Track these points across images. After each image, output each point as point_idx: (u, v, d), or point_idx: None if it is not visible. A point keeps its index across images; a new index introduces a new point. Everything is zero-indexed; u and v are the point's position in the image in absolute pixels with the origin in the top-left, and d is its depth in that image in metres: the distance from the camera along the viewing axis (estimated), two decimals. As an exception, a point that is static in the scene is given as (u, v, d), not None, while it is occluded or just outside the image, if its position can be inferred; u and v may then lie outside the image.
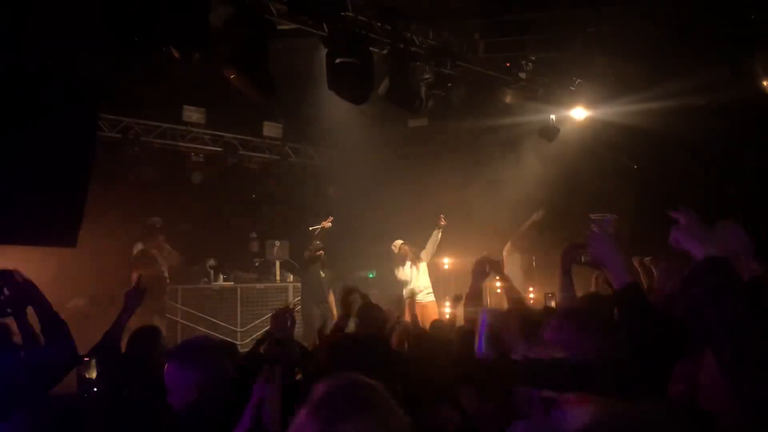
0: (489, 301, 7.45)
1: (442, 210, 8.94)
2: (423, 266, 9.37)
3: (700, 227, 1.82)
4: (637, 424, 1.18)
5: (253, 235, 10.10)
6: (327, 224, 8.90)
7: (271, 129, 9.94)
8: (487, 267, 3.67)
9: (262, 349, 3.51)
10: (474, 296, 3.81)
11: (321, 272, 8.81)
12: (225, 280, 9.29)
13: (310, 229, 8.97)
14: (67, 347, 2.96)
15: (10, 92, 4.29)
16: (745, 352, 1.61)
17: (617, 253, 2.14)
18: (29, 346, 3.06)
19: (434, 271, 10.20)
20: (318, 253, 8.76)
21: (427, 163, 10.19)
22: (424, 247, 9.40)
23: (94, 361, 2.95)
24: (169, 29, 4.45)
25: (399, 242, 9.57)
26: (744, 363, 1.61)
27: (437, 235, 9.02)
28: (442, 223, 8.88)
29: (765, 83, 5.63)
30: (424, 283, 9.23)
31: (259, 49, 5.46)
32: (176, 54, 4.54)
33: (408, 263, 9.43)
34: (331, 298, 8.65)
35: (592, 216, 2.21)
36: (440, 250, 9.84)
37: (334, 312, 8.45)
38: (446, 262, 11.02)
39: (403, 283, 9.31)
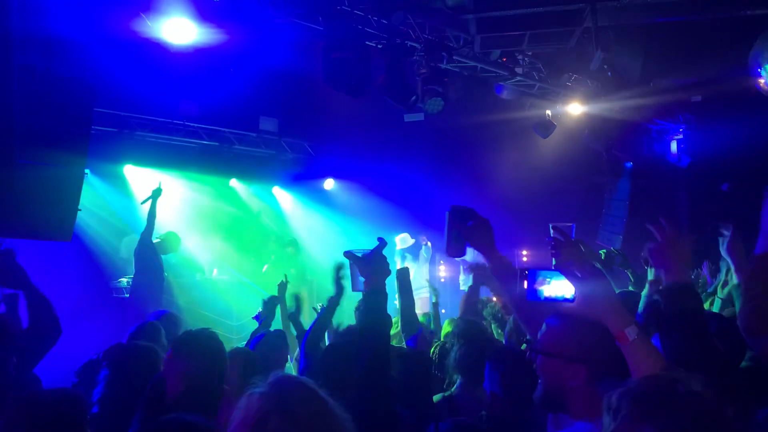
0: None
1: (441, 206, 9.05)
2: (423, 266, 9.51)
3: (674, 247, 1.82)
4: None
5: None
6: None
7: (267, 123, 9.90)
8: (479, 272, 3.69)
9: None
10: (471, 299, 3.83)
11: (291, 269, 8.86)
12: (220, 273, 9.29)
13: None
14: (54, 326, 3.23)
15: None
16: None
17: (582, 260, 2.17)
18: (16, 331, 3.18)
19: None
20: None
21: (422, 158, 10.19)
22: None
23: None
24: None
25: (402, 236, 9.63)
26: None
27: (426, 250, 9.33)
28: (424, 243, 9.21)
29: (760, 81, 5.63)
30: (418, 283, 9.32)
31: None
32: None
33: (408, 257, 9.51)
34: (304, 294, 8.72)
35: (554, 225, 2.26)
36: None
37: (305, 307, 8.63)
38: (443, 271, 11.05)
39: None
